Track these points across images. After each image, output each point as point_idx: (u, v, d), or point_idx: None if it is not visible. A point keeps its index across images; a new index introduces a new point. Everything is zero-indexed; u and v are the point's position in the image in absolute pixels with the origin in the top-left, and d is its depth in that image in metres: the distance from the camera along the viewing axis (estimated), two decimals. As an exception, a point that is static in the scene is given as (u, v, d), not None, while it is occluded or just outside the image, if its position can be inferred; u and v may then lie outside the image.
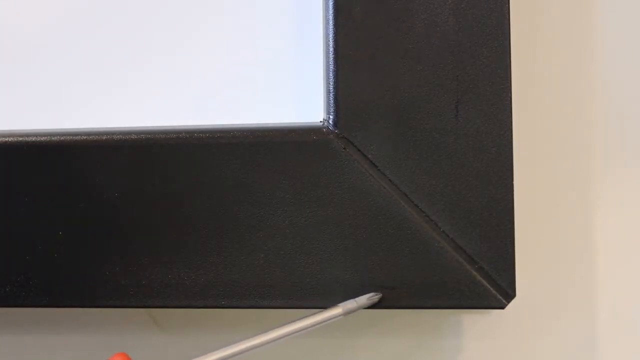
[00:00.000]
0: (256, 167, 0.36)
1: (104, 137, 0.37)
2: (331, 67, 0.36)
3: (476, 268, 0.34)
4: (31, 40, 0.43)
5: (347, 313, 0.34)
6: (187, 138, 0.37)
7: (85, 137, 0.37)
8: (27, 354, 0.43)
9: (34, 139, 0.37)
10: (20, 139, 0.37)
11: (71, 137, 0.37)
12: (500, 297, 0.34)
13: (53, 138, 0.37)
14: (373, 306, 0.35)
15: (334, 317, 0.34)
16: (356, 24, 0.35)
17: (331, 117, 0.36)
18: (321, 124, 0.36)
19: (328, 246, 0.35)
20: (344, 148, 0.35)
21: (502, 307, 0.34)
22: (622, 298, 0.39)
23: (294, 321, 0.34)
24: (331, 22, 0.36)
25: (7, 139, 0.37)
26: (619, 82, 0.39)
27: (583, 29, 0.39)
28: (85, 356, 0.42)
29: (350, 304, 0.34)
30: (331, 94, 0.36)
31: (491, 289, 0.34)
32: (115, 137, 0.37)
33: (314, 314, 0.34)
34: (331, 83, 0.36)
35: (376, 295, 0.34)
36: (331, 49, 0.36)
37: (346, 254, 0.35)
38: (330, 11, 0.36)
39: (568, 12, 0.39)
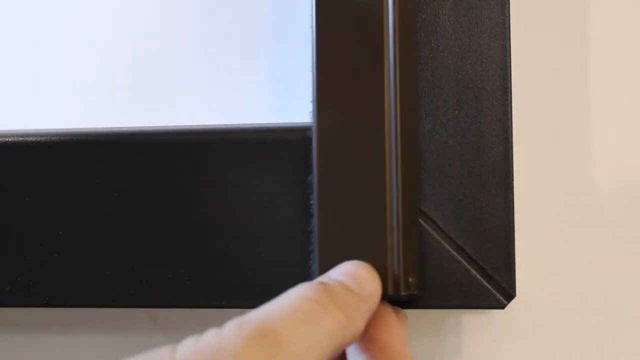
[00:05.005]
0: (255, 167, 0.36)
1: (104, 137, 0.37)
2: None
3: (476, 268, 0.34)
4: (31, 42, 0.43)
5: None
6: (187, 138, 0.37)
7: (85, 137, 0.37)
8: (27, 354, 0.43)
9: (34, 139, 0.37)
10: (20, 139, 0.37)
11: (71, 137, 0.37)
12: (500, 297, 0.34)
13: (53, 138, 0.37)
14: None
15: None
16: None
17: (331, 117, 0.36)
18: (321, 124, 0.36)
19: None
20: (344, 148, 0.35)
21: (502, 307, 0.34)
22: (621, 298, 0.39)
23: None
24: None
25: (7, 139, 0.37)
26: (620, 82, 0.39)
27: (584, 28, 0.39)
28: (85, 356, 0.42)
29: None
30: (331, 94, 0.36)
31: (491, 289, 0.34)
32: (115, 137, 0.37)
33: None
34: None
35: None
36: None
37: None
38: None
39: (568, 11, 0.39)
